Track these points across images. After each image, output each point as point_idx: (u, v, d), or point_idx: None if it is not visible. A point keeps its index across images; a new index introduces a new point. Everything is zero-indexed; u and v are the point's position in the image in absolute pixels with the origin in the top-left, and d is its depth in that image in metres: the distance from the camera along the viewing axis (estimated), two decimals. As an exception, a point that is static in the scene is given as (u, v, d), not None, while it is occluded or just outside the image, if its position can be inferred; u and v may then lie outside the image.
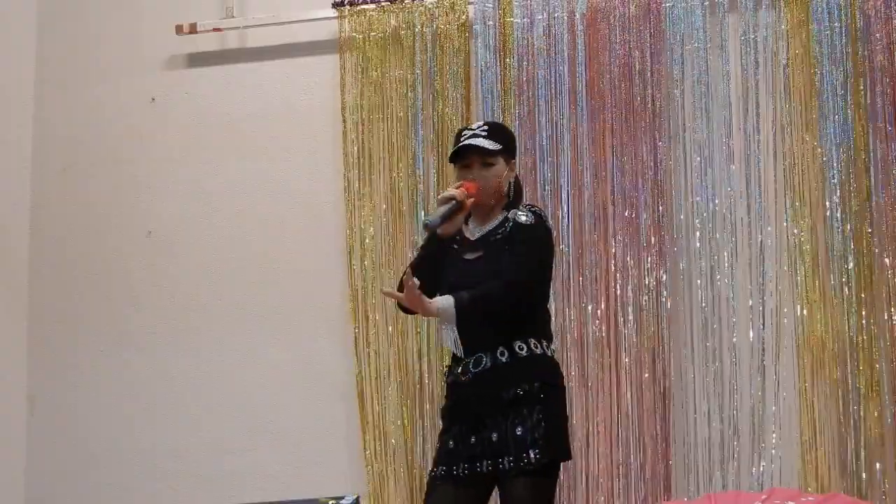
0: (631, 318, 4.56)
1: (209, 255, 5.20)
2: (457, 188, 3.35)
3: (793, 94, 4.58)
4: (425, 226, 3.33)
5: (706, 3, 4.64)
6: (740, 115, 4.66)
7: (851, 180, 4.48)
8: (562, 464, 3.49)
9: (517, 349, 3.34)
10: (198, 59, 5.34)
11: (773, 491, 3.88)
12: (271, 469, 4.85)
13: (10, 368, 5.31)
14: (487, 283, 3.28)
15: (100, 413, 5.22)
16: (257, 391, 5.08)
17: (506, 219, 3.40)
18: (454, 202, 3.31)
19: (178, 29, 5.20)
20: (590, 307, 4.59)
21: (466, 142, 3.38)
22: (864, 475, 4.36)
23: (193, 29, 5.21)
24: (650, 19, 4.66)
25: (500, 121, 4.51)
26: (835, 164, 4.48)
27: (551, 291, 3.59)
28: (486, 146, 3.36)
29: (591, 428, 4.56)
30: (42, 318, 5.38)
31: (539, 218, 3.39)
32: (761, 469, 4.46)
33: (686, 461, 4.51)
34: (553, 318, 3.92)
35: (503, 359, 3.34)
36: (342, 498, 3.26)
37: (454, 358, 3.40)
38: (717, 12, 4.65)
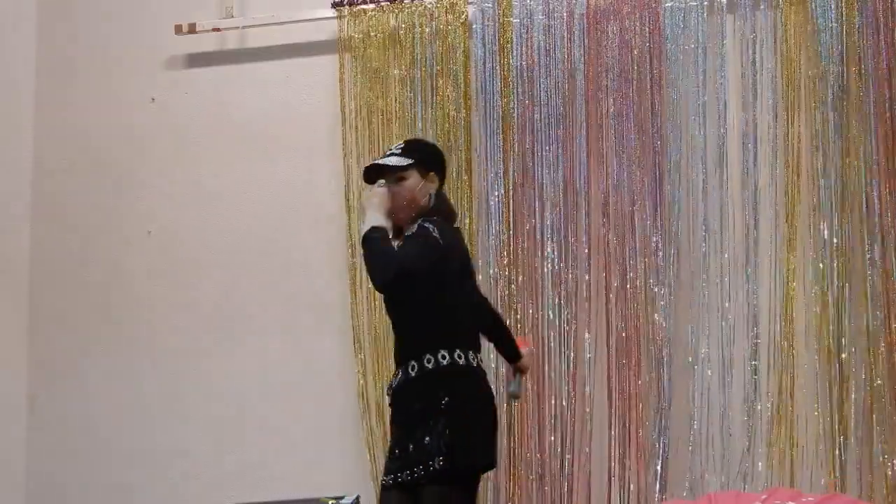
0: (631, 317, 4.57)
1: (209, 255, 5.20)
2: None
3: (790, 93, 4.58)
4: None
5: (704, 3, 4.64)
6: (738, 114, 4.66)
7: (847, 179, 4.49)
8: (490, 471, 3.56)
9: (425, 362, 3.44)
10: (197, 60, 5.33)
11: (774, 491, 3.89)
12: (273, 469, 4.87)
13: (10, 368, 5.30)
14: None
15: (100, 413, 5.23)
16: (258, 390, 5.09)
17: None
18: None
19: (178, 29, 5.20)
20: (587, 301, 4.61)
21: (373, 162, 3.63)
22: (861, 475, 4.35)
23: (193, 29, 5.20)
24: (649, 19, 4.67)
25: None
26: (831, 165, 4.49)
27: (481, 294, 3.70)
28: (389, 163, 3.52)
29: (587, 426, 4.56)
30: (42, 317, 5.37)
31: (422, 228, 3.48)
32: (758, 469, 4.46)
33: (683, 462, 4.52)
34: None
35: (413, 372, 3.46)
36: (342, 497, 3.27)
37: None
38: (716, 12, 4.65)
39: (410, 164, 3.54)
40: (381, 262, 3.38)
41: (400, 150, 3.62)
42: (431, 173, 3.57)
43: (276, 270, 5.14)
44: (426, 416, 3.42)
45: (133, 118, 5.39)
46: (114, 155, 5.40)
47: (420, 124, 4.90)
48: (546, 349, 4.63)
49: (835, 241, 4.48)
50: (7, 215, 5.39)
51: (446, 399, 3.41)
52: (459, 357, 3.48)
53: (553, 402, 4.58)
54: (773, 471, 4.45)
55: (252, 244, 5.21)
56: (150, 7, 5.41)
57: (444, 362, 3.46)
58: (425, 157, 3.62)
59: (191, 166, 5.31)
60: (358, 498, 3.28)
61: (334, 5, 5.01)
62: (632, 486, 4.54)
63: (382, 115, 4.97)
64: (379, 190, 3.49)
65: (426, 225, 3.46)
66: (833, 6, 4.49)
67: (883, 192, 4.41)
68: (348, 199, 4.97)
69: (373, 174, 3.59)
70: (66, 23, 5.50)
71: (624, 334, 4.58)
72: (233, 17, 5.21)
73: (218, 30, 5.23)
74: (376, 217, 3.46)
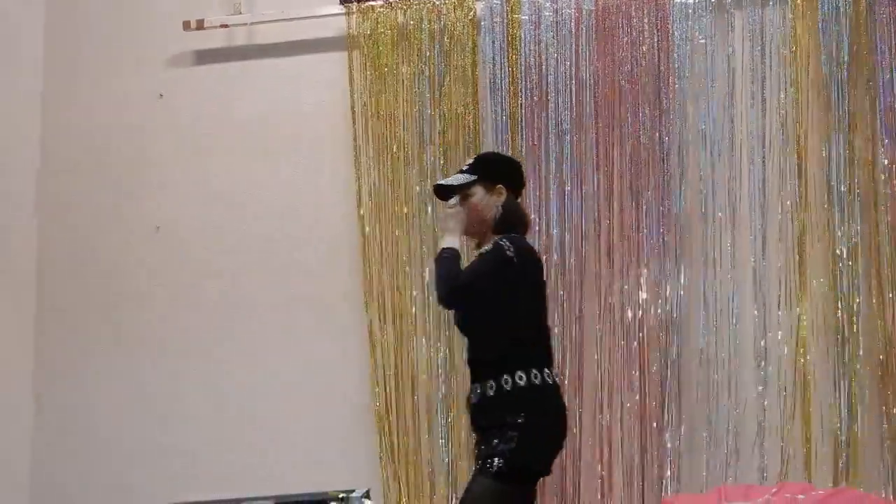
0: (640, 313, 4.62)
1: (216, 252, 5.27)
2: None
3: (799, 88, 4.62)
4: None
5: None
6: (746, 108, 4.71)
7: (856, 173, 4.54)
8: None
9: (503, 383, 3.59)
10: (205, 56, 5.42)
11: (784, 485, 3.92)
12: (280, 467, 4.90)
13: (16, 366, 5.35)
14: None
15: (106, 411, 5.29)
16: (264, 388, 5.15)
17: (495, 244, 3.65)
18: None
19: (186, 25, 5.30)
20: (597, 299, 4.66)
21: (437, 182, 3.85)
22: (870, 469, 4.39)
23: (201, 25, 5.30)
24: (657, 15, 4.73)
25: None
26: (841, 160, 4.53)
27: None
28: (452, 182, 3.69)
29: (600, 421, 4.61)
30: (49, 315, 5.42)
31: (497, 245, 3.61)
32: (765, 462, 4.50)
33: (698, 458, 4.58)
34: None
35: (491, 392, 3.60)
36: (352, 491, 3.29)
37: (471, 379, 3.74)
38: (724, 7, 4.71)
39: (474, 181, 3.68)
40: (443, 280, 3.63)
41: (467, 167, 3.78)
42: (499, 186, 3.69)
43: (284, 267, 5.21)
44: (502, 428, 3.58)
45: (140, 115, 5.45)
46: (122, 151, 5.47)
47: (428, 120, 4.98)
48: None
49: (844, 235, 4.54)
50: (13, 214, 5.45)
51: (522, 416, 3.57)
52: (535, 377, 3.62)
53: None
54: (786, 466, 4.49)
55: (259, 240, 5.27)
56: (157, 4, 5.49)
57: (522, 383, 3.61)
58: (490, 170, 3.74)
59: (198, 162, 5.37)
60: (368, 491, 3.34)
61: (343, 2, 5.12)
62: (645, 482, 4.62)
63: (390, 111, 5.05)
64: (450, 211, 3.70)
65: (501, 242, 3.62)
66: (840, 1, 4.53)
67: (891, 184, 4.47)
68: (358, 197, 5.02)
69: (442, 192, 3.77)
70: (73, 19, 5.57)
71: (632, 331, 4.64)
72: (241, 13, 5.31)
73: (226, 26, 5.32)
74: (449, 239, 3.68)
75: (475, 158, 3.88)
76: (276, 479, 4.80)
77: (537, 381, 3.63)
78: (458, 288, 3.60)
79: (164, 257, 5.40)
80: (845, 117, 4.58)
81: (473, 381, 3.73)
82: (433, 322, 5.01)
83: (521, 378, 3.63)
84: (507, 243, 3.64)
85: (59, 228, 5.51)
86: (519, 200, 3.82)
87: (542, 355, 3.71)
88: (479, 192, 3.70)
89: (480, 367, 3.71)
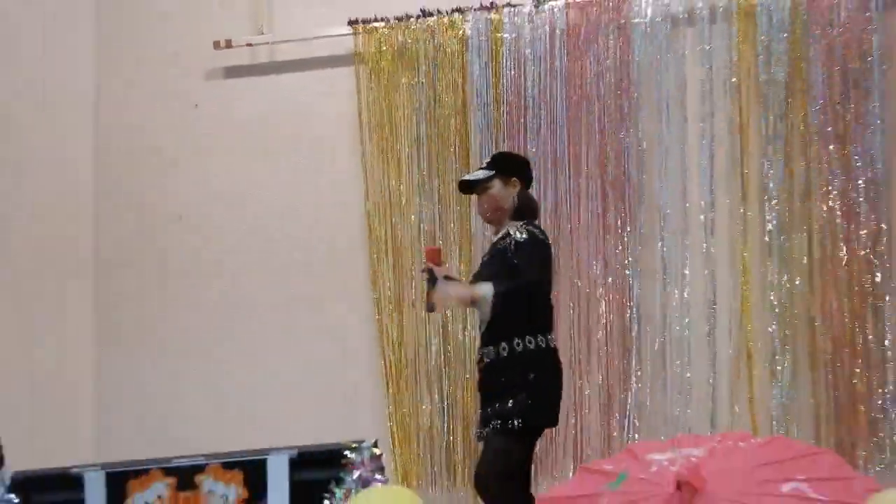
0: (600, 290, 5.08)
1: (244, 243, 5.60)
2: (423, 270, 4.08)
3: (742, 97, 5.05)
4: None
5: (668, 17, 5.12)
6: (696, 116, 5.13)
7: (789, 175, 4.96)
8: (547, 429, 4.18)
9: (514, 345, 4.00)
10: (233, 71, 5.73)
11: (727, 435, 3.98)
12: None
13: (80, 339, 5.68)
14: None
15: (155, 386, 5.61)
16: (264, 388, 5.44)
17: (507, 233, 4.07)
18: (425, 278, 4.04)
19: (216, 44, 5.61)
20: (577, 279, 5.10)
21: (462, 178, 4.34)
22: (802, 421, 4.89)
23: (229, 44, 5.61)
24: (619, 34, 5.17)
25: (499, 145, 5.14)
26: (779, 158, 4.99)
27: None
28: (474, 177, 4.17)
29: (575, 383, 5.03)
30: (105, 295, 5.73)
31: (531, 235, 4.03)
32: (716, 419, 4.97)
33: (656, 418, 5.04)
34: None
35: (504, 353, 4.01)
36: (362, 442, 3.40)
37: (481, 344, 4.11)
38: (679, 25, 5.13)
39: (492, 175, 4.12)
40: (514, 285, 3.95)
41: (485, 164, 4.23)
42: (513, 179, 4.15)
43: (303, 261, 5.50)
44: (512, 386, 3.95)
45: (178, 120, 5.75)
46: (164, 154, 5.78)
47: (424, 128, 5.35)
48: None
49: (777, 225, 4.97)
50: (72, 203, 5.73)
51: (531, 375, 3.96)
52: (541, 341, 4.02)
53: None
54: (732, 421, 4.93)
55: (282, 235, 5.54)
56: (193, 24, 5.78)
57: (531, 346, 3.99)
58: (505, 165, 4.21)
59: (228, 163, 5.64)
60: (376, 441, 3.41)
61: (351, 23, 5.43)
62: (614, 433, 5.06)
63: (391, 117, 5.42)
64: (441, 288, 3.97)
65: (531, 228, 4.04)
66: (777, 19, 4.97)
67: (821, 182, 4.92)
68: (366, 198, 5.39)
69: (464, 187, 4.25)
70: (121, 39, 5.90)
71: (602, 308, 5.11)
72: (263, 34, 5.61)
73: (250, 45, 5.63)
74: (468, 288, 4.04)
75: (492, 157, 4.32)
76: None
77: (543, 345, 4.01)
78: (533, 283, 3.97)
79: (196, 246, 5.63)
80: (782, 119, 4.98)
81: (486, 345, 4.04)
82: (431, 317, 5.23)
83: (529, 342, 3.98)
84: (535, 229, 4.08)
85: (113, 221, 5.76)
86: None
87: (546, 323, 4.09)
88: (496, 185, 4.12)
89: (495, 332, 4.01)
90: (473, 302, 4.03)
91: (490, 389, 4.05)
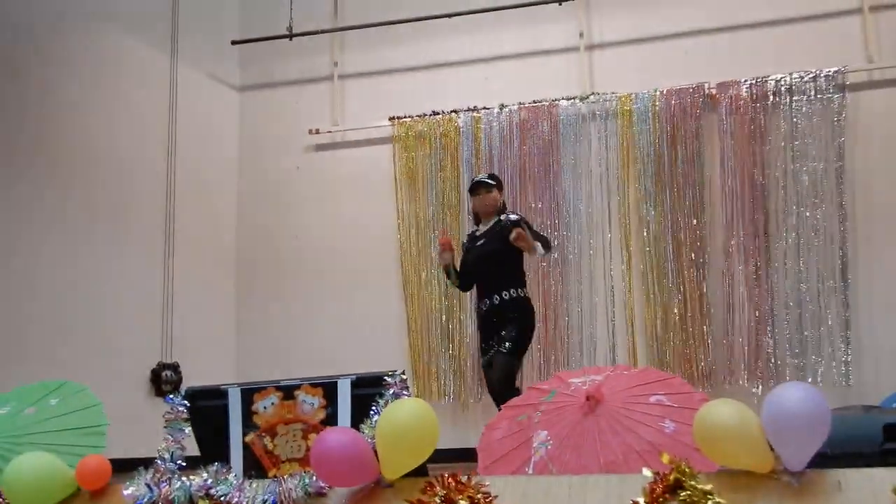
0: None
1: (330, 249, 7.77)
2: (440, 254, 5.47)
3: (628, 171, 7.47)
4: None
5: (580, 115, 7.56)
6: (600, 179, 7.51)
7: (661, 216, 7.35)
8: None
9: (504, 295, 5.16)
10: (320, 147, 8.01)
11: (616, 367, 4.29)
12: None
13: (225, 307, 7.78)
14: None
15: (275, 332, 7.66)
16: (353, 325, 7.55)
17: (499, 220, 5.38)
18: (445, 266, 5.36)
19: (310, 131, 8.01)
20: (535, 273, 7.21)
21: (477, 179, 5.67)
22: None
23: (317, 130, 8.00)
24: (551, 121, 7.62)
25: (487, 173, 6.90)
26: (651, 208, 7.42)
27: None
28: (487, 181, 5.52)
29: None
30: (244, 279, 7.92)
31: (518, 215, 5.38)
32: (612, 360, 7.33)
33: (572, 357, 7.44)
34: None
35: (497, 301, 5.17)
36: (395, 371, 3.65)
37: (477, 297, 5.33)
38: (587, 119, 7.54)
39: (494, 185, 5.44)
40: (543, 239, 4.97)
41: (487, 176, 5.48)
42: (502, 190, 5.52)
43: (352, 260, 7.63)
44: (504, 323, 4.99)
45: (286, 178, 8.01)
46: (277, 198, 8.00)
47: (434, 181, 7.67)
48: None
49: (652, 250, 7.36)
50: (222, 231, 7.94)
51: (515, 315, 5.02)
52: (522, 292, 5.15)
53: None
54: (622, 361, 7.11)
55: (341, 247, 7.61)
56: (296, 119, 8.01)
57: (517, 295, 5.10)
58: (498, 181, 5.55)
59: (317, 205, 7.88)
60: (403, 371, 3.66)
61: (390, 118, 7.81)
62: (552, 369, 7.23)
63: (414, 176, 7.74)
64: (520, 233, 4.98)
65: (515, 215, 5.15)
66: (647, 118, 7.45)
67: (684, 226, 7.37)
68: (398, 231, 7.50)
69: (476, 186, 5.38)
70: (256, 126, 8.12)
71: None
72: (337, 125, 7.99)
73: (330, 132, 7.97)
74: (535, 244, 5.05)
75: (489, 175, 5.69)
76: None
77: (524, 294, 5.18)
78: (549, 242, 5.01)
79: (301, 250, 7.61)
80: (653, 186, 7.38)
81: (489, 293, 5.03)
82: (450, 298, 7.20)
83: (515, 292, 5.09)
84: (517, 213, 5.37)
85: (249, 235, 7.83)
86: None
87: (524, 280, 5.25)
88: (495, 192, 5.43)
89: (496, 284, 5.04)
90: (534, 250, 5.03)
91: (492, 326, 5.06)
